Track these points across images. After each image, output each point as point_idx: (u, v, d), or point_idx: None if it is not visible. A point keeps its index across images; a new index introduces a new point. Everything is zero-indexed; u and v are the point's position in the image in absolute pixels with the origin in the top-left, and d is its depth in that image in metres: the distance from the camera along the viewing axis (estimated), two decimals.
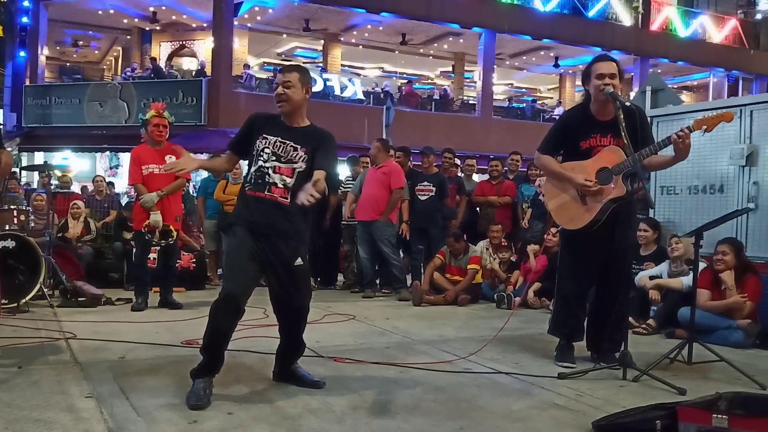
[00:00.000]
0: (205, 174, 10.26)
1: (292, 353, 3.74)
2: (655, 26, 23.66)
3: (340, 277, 9.04)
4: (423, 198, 8.13)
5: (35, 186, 14.31)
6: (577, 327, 4.47)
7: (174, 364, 4.13)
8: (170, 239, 6.43)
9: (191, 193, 9.91)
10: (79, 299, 6.47)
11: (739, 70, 25.42)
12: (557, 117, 15.06)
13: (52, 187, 8.62)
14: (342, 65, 23.04)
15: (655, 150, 4.11)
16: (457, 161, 9.79)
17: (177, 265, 7.08)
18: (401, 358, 4.47)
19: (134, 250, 6.75)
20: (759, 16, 26.90)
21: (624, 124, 4.01)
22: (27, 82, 18.82)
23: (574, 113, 4.48)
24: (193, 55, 22.03)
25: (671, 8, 24.35)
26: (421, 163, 8.49)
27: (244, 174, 3.78)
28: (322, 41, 22.48)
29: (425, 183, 8.17)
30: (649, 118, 6.73)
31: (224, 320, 3.39)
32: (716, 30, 25.03)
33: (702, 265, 5.20)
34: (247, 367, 3.65)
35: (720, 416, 2.71)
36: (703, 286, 5.18)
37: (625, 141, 3.99)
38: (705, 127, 4.06)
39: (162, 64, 20.56)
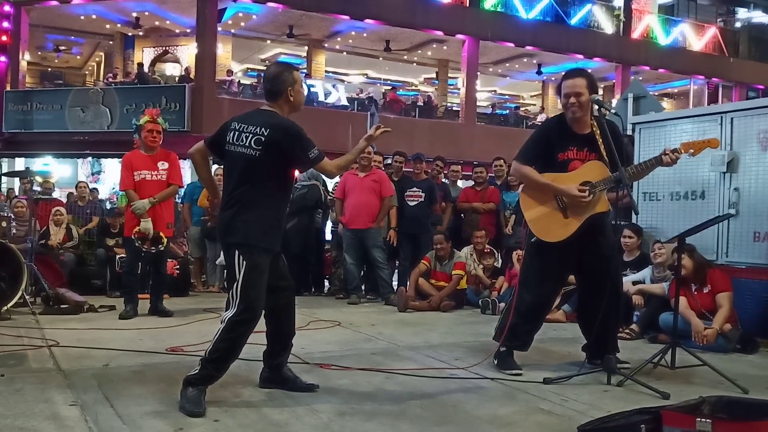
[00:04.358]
0: (189, 179, 10.21)
1: (285, 347, 3.77)
2: (636, 34, 23.88)
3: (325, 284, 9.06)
4: (412, 204, 8.18)
5: (17, 192, 14.13)
6: (530, 341, 4.44)
7: (159, 371, 4.11)
8: (160, 246, 6.38)
9: (176, 199, 9.88)
10: (62, 306, 6.42)
11: (718, 78, 25.70)
12: (540, 123, 15.13)
13: (34, 193, 8.54)
14: (326, 71, 23.02)
15: (641, 169, 4.27)
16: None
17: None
18: (387, 364, 4.47)
19: (119, 256, 6.69)
20: (738, 25, 27.25)
21: (601, 139, 4.14)
22: (8, 88, 18.62)
23: (553, 124, 4.48)
24: (177, 60, 21.93)
25: (652, 16, 24.59)
26: (412, 169, 8.58)
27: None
28: (306, 47, 22.47)
29: (414, 189, 8.22)
30: (631, 125, 6.89)
31: (245, 338, 3.46)
32: (696, 38, 25.31)
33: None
34: (232, 374, 3.64)
35: (704, 420, 2.74)
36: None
37: (604, 155, 4.11)
38: (692, 150, 4.19)
39: (144, 69, 20.44)
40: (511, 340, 4.37)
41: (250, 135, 3.50)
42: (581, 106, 4.17)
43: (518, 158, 4.37)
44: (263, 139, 3.47)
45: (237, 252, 3.45)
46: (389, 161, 8.98)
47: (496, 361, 4.37)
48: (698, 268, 5.31)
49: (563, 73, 4.42)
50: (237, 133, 3.55)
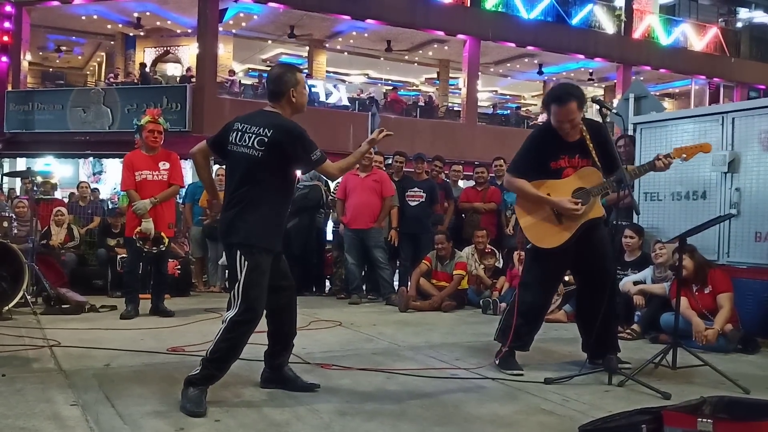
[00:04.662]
0: (190, 179, 10.21)
1: (286, 347, 3.78)
2: (637, 34, 23.85)
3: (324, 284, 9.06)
4: (413, 204, 8.19)
5: (18, 192, 14.13)
6: (531, 341, 4.47)
7: (160, 371, 4.12)
8: (162, 246, 6.38)
9: (176, 199, 9.89)
10: (63, 306, 6.42)
11: (720, 78, 25.68)
12: (541, 123, 15.16)
13: (35, 193, 8.54)
14: (327, 71, 23.01)
15: (634, 174, 4.29)
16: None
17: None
18: (388, 364, 4.47)
19: (120, 256, 6.68)
20: (739, 25, 27.23)
21: (592, 144, 4.17)
22: (9, 88, 18.64)
23: (543, 133, 4.44)
24: (178, 60, 21.93)
25: (653, 16, 24.57)
26: (413, 169, 8.58)
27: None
28: (307, 47, 22.46)
29: (415, 189, 8.23)
30: (632, 125, 6.90)
31: (246, 338, 3.46)
32: (697, 38, 25.28)
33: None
34: (233, 374, 3.64)
35: (705, 420, 2.74)
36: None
37: (596, 161, 4.17)
38: (684, 155, 4.24)
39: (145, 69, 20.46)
40: (514, 340, 4.38)
41: (253, 135, 3.51)
42: (575, 127, 4.19)
43: (510, 171, 4.40)
44: (266, 139, 3.48)
45: (239, 252, 3.45)
46: (389, 161, 8.98)
47: (497, 361, 4.38)
48: (699, 268, 5.31)
49: (550, 92, 4.35)
50: (240, 133, 3.56)
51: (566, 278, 5.85)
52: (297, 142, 3.51)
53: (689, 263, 5.23)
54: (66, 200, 10.71)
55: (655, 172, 4.27)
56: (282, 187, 3.61)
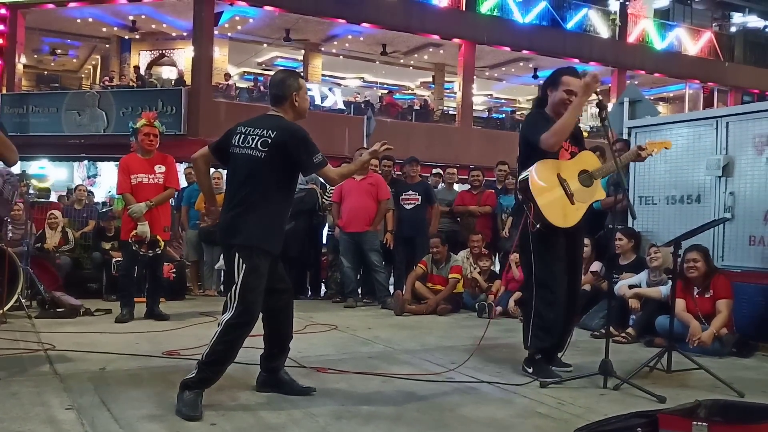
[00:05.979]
0: (184, 182, 10.19)
1: (282, 350, 3.78)
2: (631, 38, 23.93)
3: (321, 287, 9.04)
4: (409, 207, 8.19)
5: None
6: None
7: (155, 374, 4.11)
8: (157, 249, 6.37)
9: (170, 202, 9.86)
10: (58, 310, 6.41)
11: (714, 82, 25.78)
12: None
13: (30, 196, 8.51)
14: (323, 75, 23.01)
15: (623, 161, 4.46)
16: (439, 170, 9.92)
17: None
18: (384, 367, 4.48)
19: (115, 260, 6.66)
20: (733, 29, 27.34)
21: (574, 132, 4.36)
22: (4, 91, 18.58)
23: (543, 113, 4.46)
24: (173, 64, 21.90)
25: (648, 21, 24.66)
26: (404, 172, 8.56)
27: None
28: (303, 51, 22.46)
29: (410, 192, 8.22)
30: (627, 129, 6.95)
31: (241, 341, 3.46)
32: (692, 42, 25.37)
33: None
34: (229, 377, 3.64)
35: (700, 423, 2.75)
36: (678, 295, 5.25)
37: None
38: (655, 150, 4.51)
39: (141, 72, 20.42)
40: (548, 341, 4.31)
41: (257, 137, 3.53)
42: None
43: (541, 132, 4.20)
44: (270, 141, 3.50)
45: (237, 254, 3.46)
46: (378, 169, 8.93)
47: (530, 369, 4.28)
48: (709, 272, 5.33)
49: (560, 69, 4.52)
50: (243, 135, 3.58)
51: None
52: (300, 144, 3.53)
53: (702, 265, 5.27)
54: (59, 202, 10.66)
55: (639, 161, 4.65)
56: (283, 190, 3.62)
